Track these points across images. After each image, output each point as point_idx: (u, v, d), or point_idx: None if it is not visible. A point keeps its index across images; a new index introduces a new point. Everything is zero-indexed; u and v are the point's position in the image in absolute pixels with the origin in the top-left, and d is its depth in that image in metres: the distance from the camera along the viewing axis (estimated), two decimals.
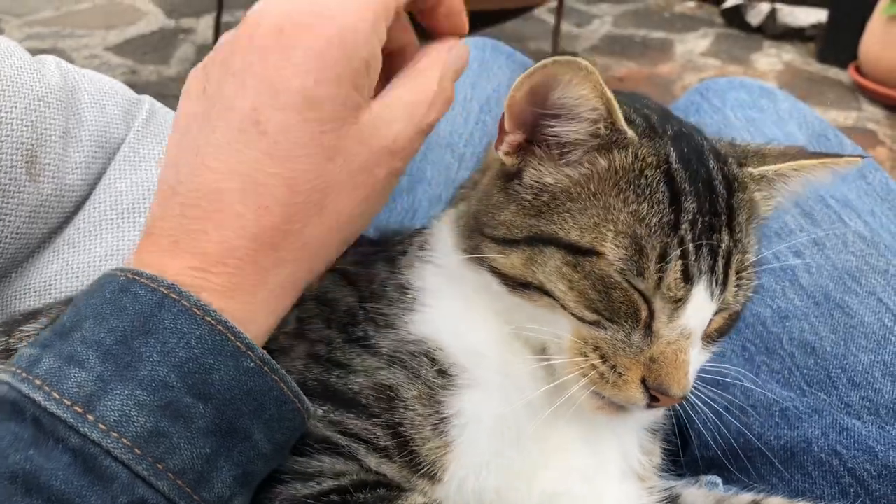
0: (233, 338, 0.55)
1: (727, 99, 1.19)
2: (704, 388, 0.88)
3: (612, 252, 0.60)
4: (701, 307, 0.61)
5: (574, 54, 0.71)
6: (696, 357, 0.63)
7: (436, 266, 0.71)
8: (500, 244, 0.65)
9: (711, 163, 0.65)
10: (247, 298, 0.58)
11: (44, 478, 0.48)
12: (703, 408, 0.85)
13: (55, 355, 0.52)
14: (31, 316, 0.76)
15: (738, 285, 0.64)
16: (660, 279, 0.59)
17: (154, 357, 0.52)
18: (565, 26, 4.18)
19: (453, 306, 0.69)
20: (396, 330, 0.67)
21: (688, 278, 0.60)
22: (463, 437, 0.63)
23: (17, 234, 0.90)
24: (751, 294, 0.67)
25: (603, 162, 0.63)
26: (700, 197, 0.62)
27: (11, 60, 0.92)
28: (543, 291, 0.62)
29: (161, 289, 0.54)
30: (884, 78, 3.92)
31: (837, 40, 4.28)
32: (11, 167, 0.88)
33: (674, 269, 0.59)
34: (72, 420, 0.50)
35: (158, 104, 1.11)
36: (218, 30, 3.53)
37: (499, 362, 0.66)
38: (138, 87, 1.13)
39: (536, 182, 0.65)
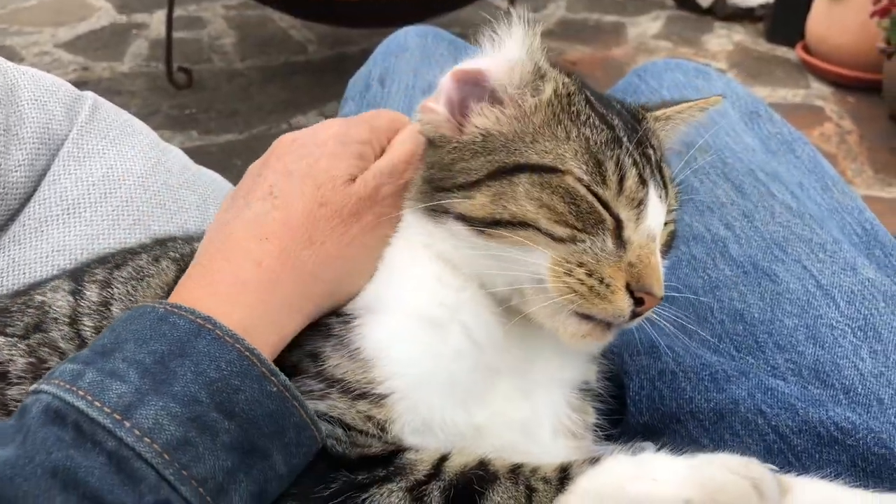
0: (258, 363, 0.62)
1: (664, 80, 1.22)
2: (638, 356, 0.92)
3: (574, 167, 0.67)
4: (656, 208, 0.70)
5: None
6: (661, 263, 0.70)
7: None
8: (462, 189, 0.70)
9: (613, 101, 0.75)
10: (250, 308, 0.66)
11: (81, 474, 0.53)
12: (637, 374, 0.89)
13: (98, 370, 0.59)
14: None
15: (674, 193, 0.74)
16: (621, 185, 0.67)
17: (188, 376, 0.59)
18: (520, 11, 4.20)
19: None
20: None
21: (643, 182, 0.68)
22: (380, 353, 0.69)
23: None
24: (679, 211, 0.77)
25: (536, 97, 0.71)
26: (624, 121, 0.71)
27: None
28: (514, 224, 0.67)
29: (198, 320, 0.62)
30: (829, 56, 4.01)
31: (785, 20, 4.36)
32: None
33: (631, 175, 0.68)
34: (110, 425, 0.55)
35: (102, 100, 1.11)
36: (170, 24, 3.49)
37: (413, 292, 0.73)
38: (91, 84, 1.13)
39: (481, 130, 0.72)
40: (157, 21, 4.36)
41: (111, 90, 3.55)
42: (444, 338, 0.72)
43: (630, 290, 0.66)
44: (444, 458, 0.64)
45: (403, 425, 0.69)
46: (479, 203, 0.69)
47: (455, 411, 0.70)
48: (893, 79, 3.56)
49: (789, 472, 0.69)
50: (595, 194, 0.67)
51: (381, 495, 0.61)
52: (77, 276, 0.84)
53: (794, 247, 0.94)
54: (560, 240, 0.67)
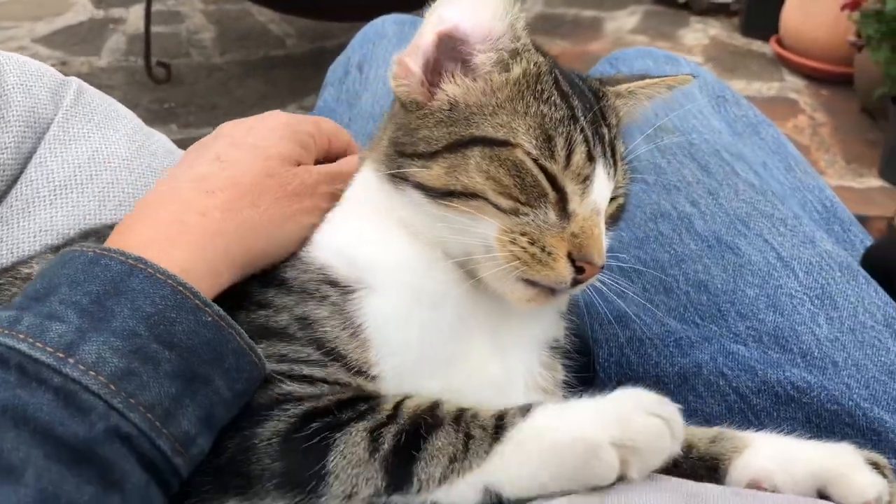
0: (191, 297, 0.64)
1: (634, 67, 1.26)
2: (608, 325, 0.96)
3: (524, 142, 0.71)
4: (603, 185, 0.73)
5: None
6: (605, 235, 0.74)
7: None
8: (422, 158, 0.74)
9: (576, 79, 0.78)
10: (190, 253, 0.69)
11: (30, 411, 0.55)
12: (607, 343, 0.93)
13: (35, 314, 0.61)
14: None
15: (624, 171, 0.77)
16: (568, 160, 0.71)
17: (125, 312, 0.61)
18: None
19: (349, 228, 0.79)
20: (299, 258, 0.77)
21: (591, 158, 0.72)
22: (378, 335, 0.72)
23: None
24: (629, 186, 0.80)
25: (505, 74, 0.74)
26: (583, 101, 0.74)
27: None
28: (466, 195, 0.71)
29: (129, 260, 0.64)
30: (803, 49, 4.07)
31: (759, 15, 4.42)
32: None
33: (579, 151, 0.71)
34: (54, 363, 0.58)
35: (86, 85, 1.13)
36: (149, 19, 3.49)
37: (402, 268, 0.75)
38: None
39: (449, 99, 0.75)
40: (134, 16, 4.35)
41: (90, 84, 3.54)
42: (438, 317, 0.75)
43: (572, 258, 0.70)
44: (404, 399, 0.69)
45: (388, 394, 0.72)
46: (435, 174, 0.72)
47: (434, 381, 0.74)
48: (864, 72, 3.62)
49: (748, 429, 0.73)
50: (542, 168, 0.70)
51: (351, 434, 0.65)
52: (63, 248, 0.86)
53: (757, 222, 0.98)
54: (505, 211, 0.70)
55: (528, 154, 0.70)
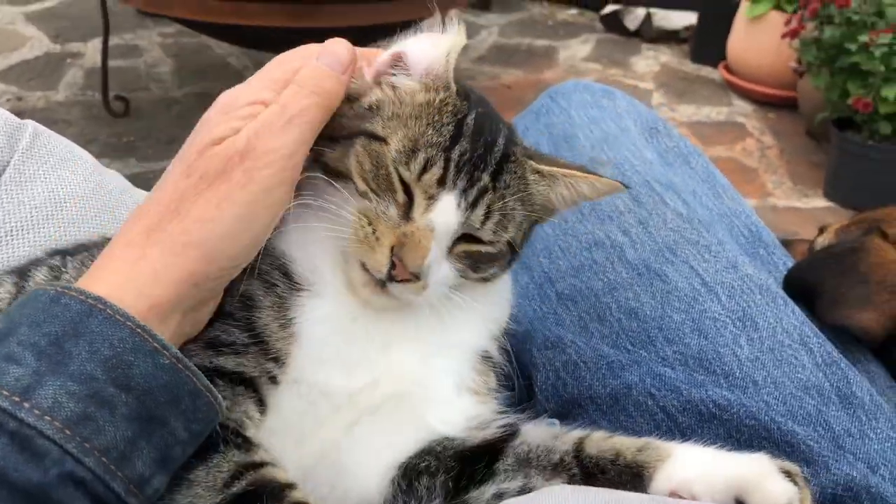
0: (150, 339, 0.65)
1: (572, 100, 1.32)
2: (545, 350, 1.01)
3: (394, 144, 0.77)
4: (448, 212, 0.77)
5: None
6: (438, 258, 0.78)
7: (303, 197, 0.81)
8: (333, 142, 0.79)
9: (500, 139, 0.81)
10: (110, 283, 0.68)
11: None
12: (544, 367, 0.99)
13: None
14: None
15: (485, 217, 0.78)
16: (420, 175, 0.76)
17: (83, 355, 0.62)
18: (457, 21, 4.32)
19: (307, 229, 0.81)
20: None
21: (441, 183, 0.76)
22: (304, 331, 0.78)
23: None
24: (504, 242, 0.81)
25: (414, 97, 0.80)
26: (476, 147, 0.78)
27: None
28: (345, 177, 0.78)
29: (89, 300, 0.65)
30: (750, 75, 4.22)
31: (708, 42, 4.57)
32: None
33: (432, 172, 0.76)
34: (10, 407, 0.58)
35: (42, 127, 1.16)
36: (106, 53, 3.51)
37: (334, 275, 0.81)
38: (25, 114, 1.18)
39: (371, 102, 0.81)
40: (92, 49, 4.36)
41: (47, 119, 3.54)
42: (369, 327, 0.80)
43: (393, 252, 0.75)
44: (272, 463, 0.73)
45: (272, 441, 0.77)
46: (334, 156, 0.79)
47: (351, 380, 0.79)
48: (807, 96, 3.77)
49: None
50: (397, 170, 0.76)
51: (225, 457, 0.71)
52: (23, 270, 0.89)
53: (683, 249, 1.04)
54: (360, 192, 0.77)
55: (390, 153, 0.76)
